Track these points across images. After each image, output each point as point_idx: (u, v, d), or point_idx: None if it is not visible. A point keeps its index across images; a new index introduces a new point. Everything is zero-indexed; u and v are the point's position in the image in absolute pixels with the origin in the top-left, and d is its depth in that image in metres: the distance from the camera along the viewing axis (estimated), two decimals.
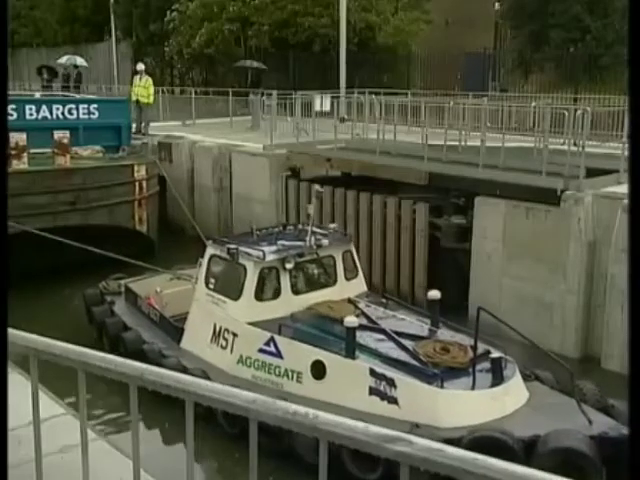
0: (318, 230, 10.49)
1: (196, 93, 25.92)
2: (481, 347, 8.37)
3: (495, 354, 8.22)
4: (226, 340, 9.65)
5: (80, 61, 28.55)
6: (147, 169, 16.57)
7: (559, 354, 9.44)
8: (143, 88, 20.67)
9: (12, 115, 15.52)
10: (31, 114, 16.08)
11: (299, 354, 8.85)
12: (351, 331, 8.44)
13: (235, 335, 9.53)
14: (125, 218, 16.15)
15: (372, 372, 8.16)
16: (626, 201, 9.84)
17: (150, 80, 20.99)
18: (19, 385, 4.38)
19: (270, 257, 9.55)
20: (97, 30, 43.45)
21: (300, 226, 10.98)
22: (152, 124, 21.58)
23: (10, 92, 25.40)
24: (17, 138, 14.51)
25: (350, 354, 8.43)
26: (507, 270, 12.10)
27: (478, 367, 8.23)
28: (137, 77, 21.18)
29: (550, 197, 11.41)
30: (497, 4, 30.79)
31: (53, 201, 14.68)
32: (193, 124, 23.81)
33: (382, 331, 9.11)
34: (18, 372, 4.73)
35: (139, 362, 2.31)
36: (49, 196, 14.63)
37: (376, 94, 18.62)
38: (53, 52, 40.61)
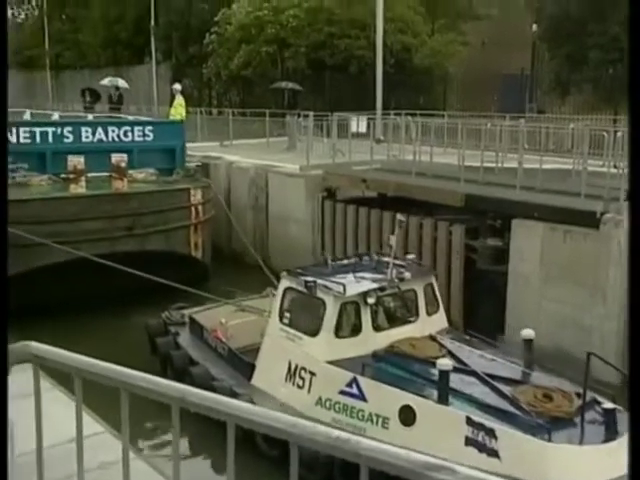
0: (397, 262, 9.84)
1: (233, 114, 26.24)
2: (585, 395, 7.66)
3: (607, 404, 7.50)
4: (303, 379, 9.07)
5: (122, 82, 29.10)
6: (203, 193, 16.12)
7: (599, 379, 9.23)
8: (173, 108, 20.65)
9: (68, 137, 15.37)
10: (87, 137, 15.71)
11: (385, 398, 8.29)
12: (445, 375, 7.85)
13: (313, 374, 8.97)
14: (181, 244, 15.69)
15: (469, 421, 7.53)
16: None
17: (180, 100, 19.70)
18: (60, 402, 4.47)
19: (351, 291, 9.00)
20: (138, 52, 44.46)
21: (375, 257, 10.59)
22: (191, 144, 21.70)
23: (66, 114, 25.79)
24: (75, 161, 14.15)
25: (443, 400, 7.84)
26: (545, 293, 11.93)
27: (586, 418, 7.53)
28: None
29: (589, 220, 11.24)
30: (534, 25, 30.69)
31: (110, 226, 14.18)
32: (230, 145, 24.04)
33: (474, 373, 8.45)
34: (60, 390, 4.82)
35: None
36: (106, 221, 14.16)
37: (412, 115, 18.65)
38: (96, 74, 41.55)
